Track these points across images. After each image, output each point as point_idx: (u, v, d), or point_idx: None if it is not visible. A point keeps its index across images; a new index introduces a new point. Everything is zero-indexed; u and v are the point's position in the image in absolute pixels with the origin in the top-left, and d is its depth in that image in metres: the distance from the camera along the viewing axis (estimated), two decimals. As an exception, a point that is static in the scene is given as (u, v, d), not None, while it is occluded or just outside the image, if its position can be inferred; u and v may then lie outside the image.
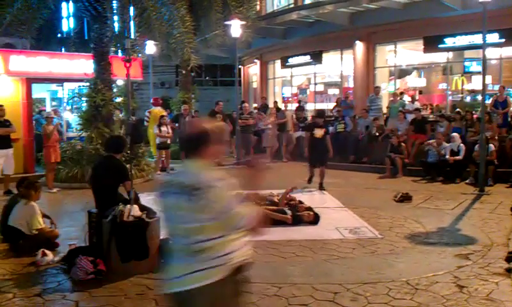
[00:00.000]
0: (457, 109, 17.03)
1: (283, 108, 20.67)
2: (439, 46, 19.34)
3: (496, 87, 17.34)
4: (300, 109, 22.39)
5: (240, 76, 30.99)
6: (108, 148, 7.62)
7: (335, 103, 20.21)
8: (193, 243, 2.94)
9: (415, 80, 22.31)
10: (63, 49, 30.88)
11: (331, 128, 18.07)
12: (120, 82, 15.87)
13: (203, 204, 2.88)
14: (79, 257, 6.30)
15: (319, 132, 12.27)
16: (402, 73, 22.35)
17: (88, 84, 13.91)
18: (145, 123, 17.86)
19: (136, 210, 6.59)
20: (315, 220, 8.86)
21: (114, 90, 14.60)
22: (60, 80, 16.11)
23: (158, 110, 17.31)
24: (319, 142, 12.27)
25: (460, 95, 20.80)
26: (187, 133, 3.19)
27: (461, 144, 13.69)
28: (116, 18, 15.01)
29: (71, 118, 17.19)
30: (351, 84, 23.42)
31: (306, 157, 12.82)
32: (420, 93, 21.77)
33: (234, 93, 22.80)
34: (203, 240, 2.93)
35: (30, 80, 14.62)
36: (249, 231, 3.07)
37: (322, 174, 12.40)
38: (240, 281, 3.15)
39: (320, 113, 13.22)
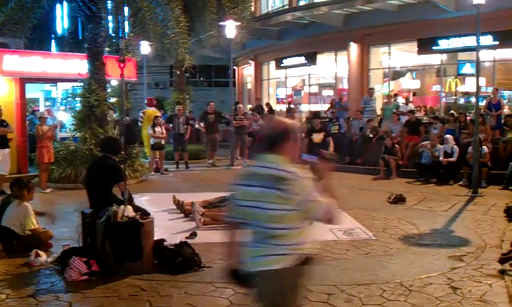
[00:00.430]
0: (451, 111, 17.07)
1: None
2: (433, 48, 19.39)
3: (490, 90, 17.41)
4: (289, 110, 22.50)
5: (234, 77, 30.98)
6: (103, 149, 7.61)
7: (329, 105, 20.24)
8: (270, 229, 3.18)
9: (409, 82, 22.38)
10: (55, 48, 30.78)
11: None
12: (114, 82, 15.83)
13: (285, 195, 3.12)
14: (73, 258, 6.27)
15: (317, 137, 11.36)
16: (396, 74, 22.41)
17: (81, 84, 13.87)
18: (139, 124, 17.85)
19: (129, 211, 6.57)
20: (309, 221, 8.85)
21: (108, 90, 14.56)
22: (54, 80, 16.05)
23: (152, 111, 17.30)
24: (318, 148, 11.19)
25: (454, 97, 20.88)
26: (269, 129, 3.41)
27: (455, 146, 13.74)
28: (110, 18, 14.99)
29: (65, 118, 17.12)
30: (345, 86, 23.46)
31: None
32: (414, 94, 21.84)
33: (228, 93, 22.81)
34: (280, 227, 3.18)
35: (24, 80, 14.55)
36: (323, 222, 3.32)
37: None
38: (304, 273, 3.33)
39: (315, 114, 12.29)
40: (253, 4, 22.09)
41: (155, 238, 6.83)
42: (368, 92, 19.11)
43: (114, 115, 16.10)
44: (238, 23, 17.06)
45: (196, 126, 20.62)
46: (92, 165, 7.78)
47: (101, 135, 13.48)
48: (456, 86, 20.51)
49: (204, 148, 18.46)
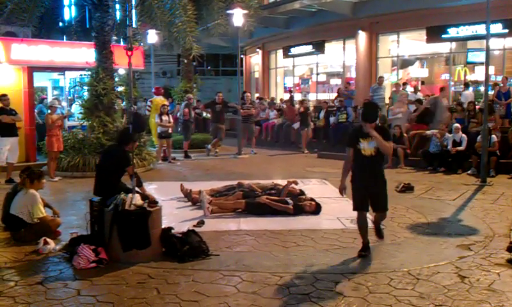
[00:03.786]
0: (461, 100, 16.85)
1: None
2: (442, 36, 19.26)
3: (499, 78, 17.27)
4: (291, 100, 22.48)
5: (242, 66, 30.95)
6: (116, 140, 7.76)
7: (337, 94, 20.18)
8: None
9: (418, 71, 22.25)
10: (64, 38, 30.83)
11: (332, 119, 18.08)
12: (121, 71, 15.84)
13: None
14: (81, 245, 6.31)
15: (368, 147, 6.47)
16: (404, 63, 22.29)
17: (89, 72, 13.89)
18: (146, 112, 17.89)
19: (137, 199, 6.59)
20: (316, 210, 8.86)
21: (116, 79, 14.57)
22: (62, 69, 16.08)
23: (160, 100, 17.32)
24: (370, 163, 6.52)
25: (462, 86, 20.73)
26: None
27: (463, 135, 13.65)
28: (117, 6, 14.97)
29: (73, 107, 17.17)
30: (353, 74, 23.36)
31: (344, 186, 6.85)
32: (423, 83, 21.70)
33: (236, 82, 22.78)
34: None
35: (31, 69, 14.59)
36: None
37: (377, 221, 7.00)
38: None
39: (370, 110, 6.77)
40: (260, -9, 21.99)
41: (163, 226, 6.85)
42: (378, 80, 19.01)
43: (122, 104, 16.13)
44: (245, 12, 16.98)
45: (204, 115, 20.64)
46: (102, 154, 7.86)
47: (109, 124, 13.53)
48: (465, 74, 20.36)
49: (211, 136, 18.47)
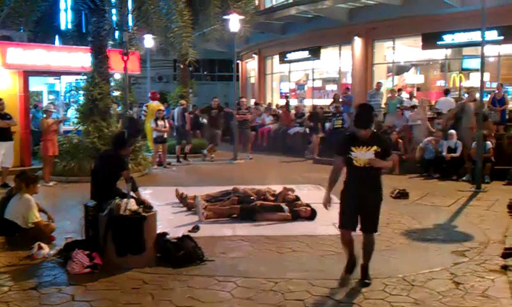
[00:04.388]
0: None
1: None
2: (437, 43, 19.36)
3: (494, 85, 17.34)
4: (287, 105, 22.51)
5: (238, 71, 30.98)
6: (112, 144, 7.76)
7: (333, 99, 20.20)
8: None
9: (413, 77, 22.32)
10: (59, 42, 30.79)
11: (328, 125, 18.10)
12: (117, 75, 15.83)
13: None
14: (75, 251, 6.28)
15: (362, 158, 5.62)
16: (400, 69, 22.36)
17: (85, 77, 13.87)
18: (142, 117, 17.87)
19: (132, 204, 6.57)
20: (312, 216, 8.86)
21: (112, 84, 14.55)
22: (57, 74, 16.04)
23: (155, 105, 17.31)
24: (364, 174, 5.67)
25: (457, 92, 20.80)
26: None
27: (458, 141, 13.68)
28: (114, 11, 14.97)
29: (69, 112, 17.13)
30: (349, 80, 23.42)
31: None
32: (418, 89, 21.78)
33: (232, 87, 22.79)
34: None
35: (27, 73, 14.53)
36: None
37: (367, 248, 5.82)
38: None
39: (362, 113, 5.79)
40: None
41: (158, 232, 6.84)
42: (376, 85, 19.02)
43: (118, 108, 16.10)
44: (242, 17, 17.00)
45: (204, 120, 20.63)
46: (98, 158, 7.87)
47: (104, 129, 13.50)
48: (460, 81, 20.44)
49: (207, 141, 18.46)
